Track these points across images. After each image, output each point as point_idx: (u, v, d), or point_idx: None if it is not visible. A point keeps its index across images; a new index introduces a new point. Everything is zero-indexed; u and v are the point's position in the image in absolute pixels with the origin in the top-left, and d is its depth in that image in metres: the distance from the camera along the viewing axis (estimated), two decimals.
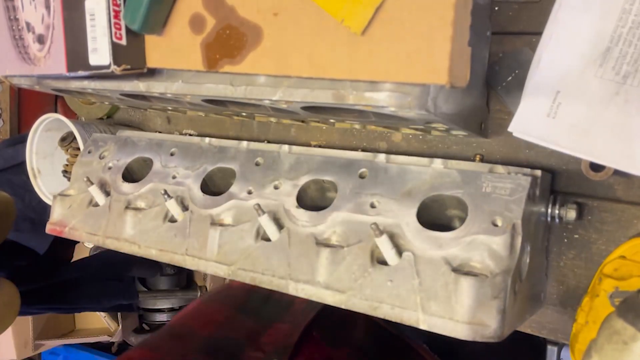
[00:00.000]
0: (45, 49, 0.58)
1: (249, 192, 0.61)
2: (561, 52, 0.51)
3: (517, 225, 0.48)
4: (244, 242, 0.59)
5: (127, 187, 0.70)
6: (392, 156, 0.57)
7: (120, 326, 1.69)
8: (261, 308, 0.56)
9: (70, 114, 0.97)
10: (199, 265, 0.61)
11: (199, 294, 1.64)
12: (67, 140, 0.95)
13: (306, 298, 0.54)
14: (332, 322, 0.71)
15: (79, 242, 1.37)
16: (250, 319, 0.71)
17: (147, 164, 0.72)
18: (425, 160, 0.55)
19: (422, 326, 0.47)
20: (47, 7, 0.57)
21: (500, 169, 0.52)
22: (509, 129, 0.52)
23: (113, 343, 1.76)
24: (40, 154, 0.94)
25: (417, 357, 0.71)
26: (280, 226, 0.58)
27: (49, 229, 0.74)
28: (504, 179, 0.50)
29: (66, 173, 0.96)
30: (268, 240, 0.58)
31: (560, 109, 0.50)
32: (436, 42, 0.41)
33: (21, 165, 0.97)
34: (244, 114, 0.71)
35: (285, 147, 0.63)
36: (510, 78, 0.58)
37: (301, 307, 0.55)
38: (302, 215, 0.57)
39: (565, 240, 0.58)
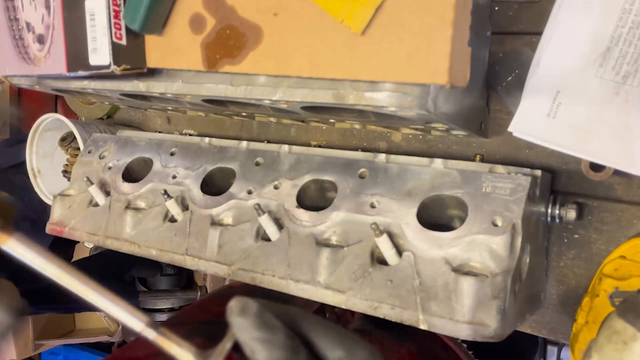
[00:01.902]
0: (45, 49, 0.58)
1: (249, 192, 0.61)
2: (561, 52, 0.51)
3: (517, 225, 0.48)
4: (244, 242, 0.59)
5: (127, 187, 0.70)
6: (392, 156, 0.57)
7: (120, 326, 1.69)
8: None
9: (70, 114, 0.97)
10: (199, 265, 0.61)
11: (199, 294, 1.63)
12: (67, 140, 0.95)
13: (306, 298, 0.54)
14: (334, 312, 0.71)
15: (79, 242, 1.37)
16: None
17: (147, 164, 0.72)
18: (425, 160, 0.55)
19: (422, 326, 0.47)
20: (47, 7, 0.57)
21: (500, 169, 0.52)
22: (509, 129, 0.52)
23: (113, 343, 1.76)
24: (40, 154, 0.94)
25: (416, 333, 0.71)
26: (280, 226, 0.58)
27: (49, 229, 0.74)
28: (504, 179, 0.50)
29: (66, 173, 0.96)
30: (268, 240, 0.58)
31: (560, 109, 0.50)
32: (436, 42, 0.41)
33: (21, 165, 0.97)
34: (244, 114, 0.71)
35: (285, 147, 0.63)
36: (510, 78, 0.58)
37: (302, 301, 0.56)
38: (302, 215, 0.57)
39: (565, 240, 0.58)
